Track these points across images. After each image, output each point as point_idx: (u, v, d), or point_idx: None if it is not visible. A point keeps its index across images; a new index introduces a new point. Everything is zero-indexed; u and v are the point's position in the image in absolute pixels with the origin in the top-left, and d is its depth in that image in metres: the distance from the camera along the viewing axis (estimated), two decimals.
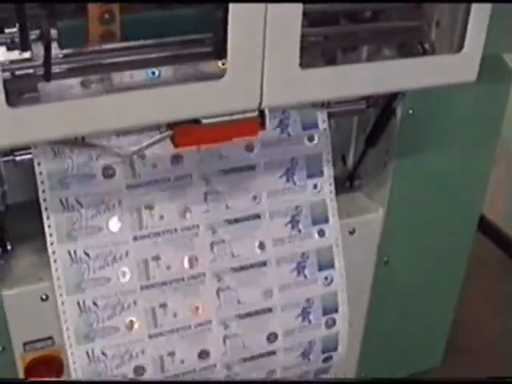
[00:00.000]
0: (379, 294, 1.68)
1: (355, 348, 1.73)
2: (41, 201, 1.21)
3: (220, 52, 1.09)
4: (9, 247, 1.33)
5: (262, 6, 0.99)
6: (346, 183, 1.61)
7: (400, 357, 1.83)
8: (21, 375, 1.36)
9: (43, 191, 1.20)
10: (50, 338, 1.34)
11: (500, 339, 2.21)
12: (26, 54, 1.03)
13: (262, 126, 1.13)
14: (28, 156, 1.18)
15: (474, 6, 1.17)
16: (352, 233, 1.54)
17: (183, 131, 1.07)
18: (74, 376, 1.30)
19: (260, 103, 1.07)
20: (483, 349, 2.14)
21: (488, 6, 1.17)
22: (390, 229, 1.59)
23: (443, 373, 1.93)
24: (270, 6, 0.99)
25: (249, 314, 1.41)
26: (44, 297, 1.30)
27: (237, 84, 1.03)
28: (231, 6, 0.97)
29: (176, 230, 1.30)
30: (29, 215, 1.29)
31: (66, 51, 1.05)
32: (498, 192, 2.45)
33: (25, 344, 1.33)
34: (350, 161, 1.62)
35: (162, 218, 1.29)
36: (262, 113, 1.12)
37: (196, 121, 1.06)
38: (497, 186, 2.24)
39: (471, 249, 1.78)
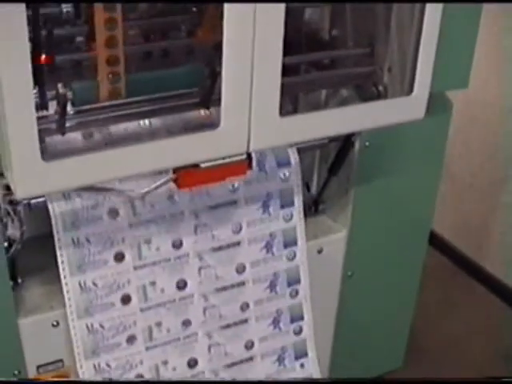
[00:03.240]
0: (345, 304, 1.85)
1: (326, 353, 1.89)
2: (55, 240, 1.36)
3: (206, 103, 1.28)
4: (19, 280, 1.47)
5: (248, 68, 1.18)
6: (311, 208, 1.77)
7: (366, 360, 1.98)
8: None
9: (57, 232, 1.35)
10: (61, 360, 1.48)
11: (453, 341, 2.39)
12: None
13: (249, 166, 1.30)
14: (41, 199, 1.32)
15: (421, 56, 1.36)
16: (320, 252, 1.72)
17: (185, 175, 1.24)
18: None
19: (248, 147, 1.25)
20: (438, 350, 2.32)
21: (432, 56, 1.37)
22: (352, 246, 1.76)
23: (405, 373, 2.10)
24: (256, 67, 1.18)
25: (228, 326, 1.59)
26: (55, 323, 1.44)
27: (229, 133, 1.21)
28: (224, 69, 1.15)
29: (169, 259, 1.47)
30: (33, 251, 1.44)
31: (76, 108, 1.21)
32: (443, 208, 2.64)
33: (38, 367, 1.47)
34: (314, 188, 1.79)
35: (158, 249, 1.45)
36: (249, 155, 1.29)
37: (195, 165, 1.24)
38: (443, 203, 2.42)
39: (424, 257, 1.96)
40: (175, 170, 1.26)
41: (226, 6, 1.13)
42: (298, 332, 1.69)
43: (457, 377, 2.05)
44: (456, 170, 2.66)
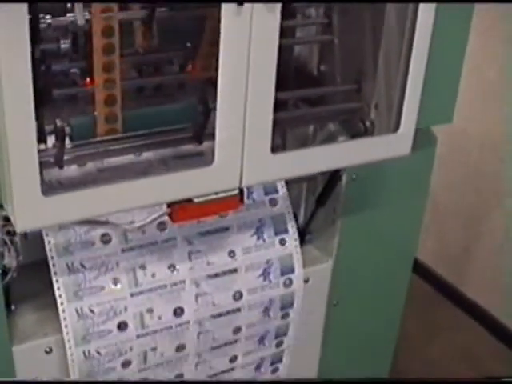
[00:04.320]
0: (330, 332, 1.88)
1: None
2: (50, 266, 1.39)
3: (199, 137, 1.33)
4: (13, 307, 1.49)
5: (242, 107, 1.22)
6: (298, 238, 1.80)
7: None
8: None
9: (52, 258, 1.39)
10: None
11: (435, 366, 2.44)
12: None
13: (241, 200, 1.34)
14: (37, 229, 1.36)
15: (407, 94, 1.41)
16: (306, 281, 1.74)
17: (179, 209, 1.29)
18: None
19: (240, 183, 1.29)
20: (421, 375, 2.36)
21: (418, 95, 1.41)
22: (338, 276, 1.80)
23: None
24: (249, 106, 1.23)
25: (218, 346, 1.63)
26: (48, 350, 1.47)
27: (222, 170, 1.25)
28: (219, 108, 1.20)
29: (166, 285, 1.50)
30: (26, 277, 1.45)
31: (74, 143, 1.25)
32: (426, 235, 2.69)
33: None
34: (301, 218, 1.82)
35: (153, 275, 1.48)
36: (241, 190, 1.33)
37: (189, 199, 1.28)
38: (425, 230, 2.47)
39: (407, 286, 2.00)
40: (169, 205, 1.30)
41: (222, 43, 1.18)
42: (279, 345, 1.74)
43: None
44: (439, 198, 2.71)
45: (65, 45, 1.26)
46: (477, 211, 2.78)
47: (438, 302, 2.86)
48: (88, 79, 1.28)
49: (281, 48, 1.25)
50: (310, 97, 1.57)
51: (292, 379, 1.77)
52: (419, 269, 2.84)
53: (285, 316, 1.69)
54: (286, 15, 1.27)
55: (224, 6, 1.15)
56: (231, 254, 1.57)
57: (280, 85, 1.30)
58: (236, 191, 1.31)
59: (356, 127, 1.52)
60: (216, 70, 1.20)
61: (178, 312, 1.53)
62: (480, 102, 2.68)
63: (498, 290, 2.78)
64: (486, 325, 2.79)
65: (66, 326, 1.42)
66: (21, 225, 1.13)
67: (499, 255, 2.75)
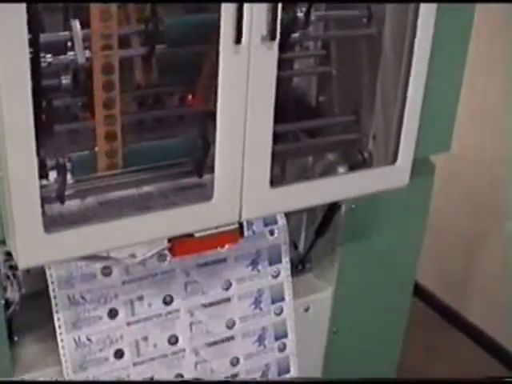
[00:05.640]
0: (331, 359, 1.89)
1: None
2: (51, 299, 1.40)
3: (199, 171, 1.34)
4: (15, 338, 1.49)
5: (240, 145, 1.24)
6: (298, 266, 1.81)
7: None
8: None
9: (53, 290, 1.40)
10: None
11: None
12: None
13: (241, 234, 1.36)
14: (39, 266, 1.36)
15: (405, 127, 1.42)
16: (307, 310, 1.76)
17: (180, 244, 1.30)
18: None
19: (239, 217, 1.30)
20: None
21: (415, 127, 1.43)
22: (338, 304, 1.81)
23: None
24: (248, 143, 1.24)
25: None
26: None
27: (222, 204, 1.27)
28: (218, 144, 1.21)
29: (161, 314, 1.52)
30: (29, 307, 1.47)
31: (75, 178, 1.27)
32: (427, 259, 2.70)
33: None
34: (301, 247, 1.83)
35: (150, 305, 1.50)
36: (240, 224, 1.34)
37: (189, 234, 1.29)
38: (426, 254, 2.49)
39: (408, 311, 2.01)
40: (170, 239, 1.31)
41: (220, 79, 1.20)
42: None
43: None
44: (439, 223, 2.71)
45: (66, 80, 1.26)
46: (476, 235, 2.79)
47: (439, 326, 2.86)
48: (89, 114, 1.29)
49: (279, 80, 1.27)
50: (309, 128, 1.58)
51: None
52: (420, 293, 2.85)
53: (282, 348, 1.70)
54: (284, 47, 1.29)
55: (222, 43, 1.17)
56: (226, 284, 1.59)
57: (279, 116, 1.31)
58: (236, 225, 1.32)
59: (355, 158, 1.53)
60: (215, 102, 1.22)
61: (173, 340, 1.55)
62: (478, 127, 2.69)
63: (498, 313, 2.78)
64: (488, 348, 2.79)
65: (64, 355, 1.43)
66: (23, 262, 1.14)
67: (499, 278, 2.76)
